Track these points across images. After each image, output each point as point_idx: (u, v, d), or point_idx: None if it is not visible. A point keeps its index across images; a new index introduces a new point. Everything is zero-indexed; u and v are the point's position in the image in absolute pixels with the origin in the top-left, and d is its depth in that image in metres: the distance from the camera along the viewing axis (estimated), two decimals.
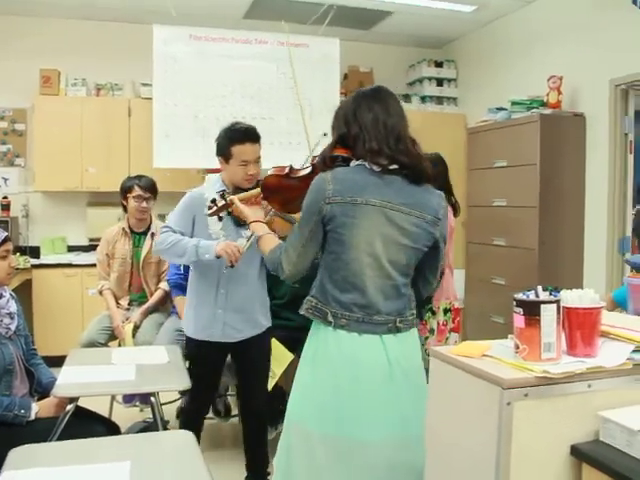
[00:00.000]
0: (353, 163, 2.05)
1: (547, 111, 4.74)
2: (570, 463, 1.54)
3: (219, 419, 3.93)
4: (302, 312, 2.11)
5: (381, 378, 2.01)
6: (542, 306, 1.54)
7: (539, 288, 1.59)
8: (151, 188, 3.90)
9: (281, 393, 3.46)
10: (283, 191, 2.31)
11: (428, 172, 2.08)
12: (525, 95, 4.99)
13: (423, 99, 6.51)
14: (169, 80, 5.29)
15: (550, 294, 1.59)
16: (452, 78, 6.62)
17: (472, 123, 5.81)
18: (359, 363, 2.01)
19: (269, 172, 2.38)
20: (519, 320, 1.58)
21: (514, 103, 5.01)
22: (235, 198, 2.42)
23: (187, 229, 2.83)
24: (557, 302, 1.57)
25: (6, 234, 2.54)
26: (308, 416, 2.07)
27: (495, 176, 5.09)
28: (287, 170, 2.33)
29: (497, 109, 5.20)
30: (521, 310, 1.57)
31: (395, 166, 2.01)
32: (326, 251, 2.06)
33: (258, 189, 2.41)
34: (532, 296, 1.58)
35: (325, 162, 2.09)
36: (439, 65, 6.60)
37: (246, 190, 2.62)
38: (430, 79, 6.54)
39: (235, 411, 4.07)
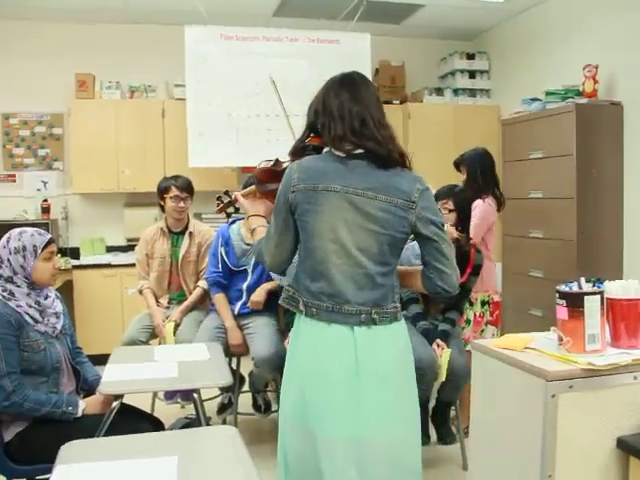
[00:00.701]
0: (324, 151, 2.04)
1: (583, 100, 4.67)
2: (616, 456, 1.53)
3: (259, 414, 3.97)
4: (280, 302, 2.11)
5: (345, 372, 1.93)
6: (586, 297, 1.54)
7: (582, 279, 1.58)
8: (188, 188, 3.95)
9: None
10: (273, 183, 2.25)
11: (396, 156, 1.98)
12: (560, 85, 4.93)
13: (455, 92, 6.46)
14: (201, 80, 5.35)
15: (593, 285, 1.58)
16: (484, 70, 6.55)
17: (506, 115, 5.75)
18: (324, 354, 1.95)
19: (258, 167, 2.37)
20: (562, 312, 1.57)
21: (549, 93, 4.95)
22: (238, 194, 2.43)
23: None
24: (601, 293, 1.56)
25: (50, 236, 2.59)
26: (283, 406, 2.09)
27: (531, 168, 5.04)
28: (273, 163, 2.33)
29: (531, 100, 5.14)
30: (564, 302, 1.56)
31: (360, 151, 1.96)
32: (300, 240, 2.04)
33: (253, 187, 2.41)
34: (575, 288, 1.57)
35: (295, 152, 2.09)
36: (471, 57, 6.53)
37: None
38: (462, 71, 6.48)
39: (275, 407, 4.11)
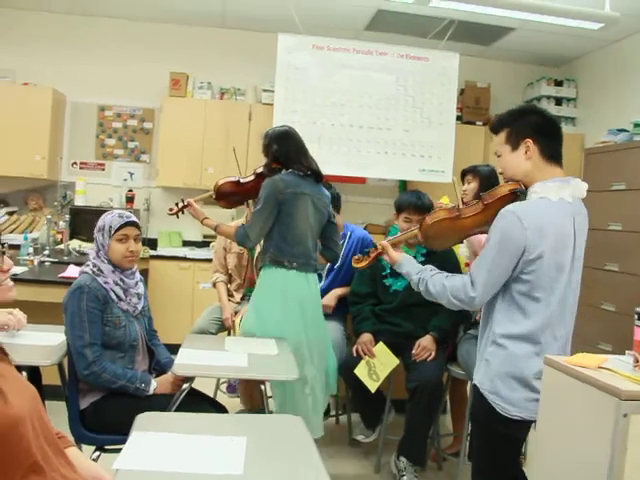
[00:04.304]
0: (284, 171, 3.20)
1: None
2: None
3: None
4: (264, 262, 3.23)
5: (308, 296, 3.24)
6: None
7: None
8: None
9: (382, 398, 3.50)
10: (233, 194, 3.43)
11: (323, 176, 3.32)
12: None
13: None
14: (290, 87, 5.48)
15: None
16: (571, 97, 6.48)
17: (590, 144, 5.67)
18: (303, 288, 3.22)
19: (221, 181, 3.43)
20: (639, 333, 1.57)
21: (637, 125, 4.86)
22: (191, 200, 3.41)
23: None
24: None
25: (128, 219, 2.67)
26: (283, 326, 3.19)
27: (612, 199, 4.94)
28: (237, 179, 3.42)
29: (618, 130, 5.05)
30: None
31: (309, 172, 3.22)
32: (279, 223, 3.16)
33: (210, 192, 3.46)
34: None
35: (269, 171, 3.23)
36: (559, 84, 6.47)
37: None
38: (549, 97, 6.43)
39: (333, 411, 4.15)
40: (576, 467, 1.62)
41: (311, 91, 5.49)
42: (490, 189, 2.33)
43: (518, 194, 2.22)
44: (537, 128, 2.14)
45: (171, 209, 3.47)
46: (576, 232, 2.12)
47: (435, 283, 2.27)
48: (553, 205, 2.10)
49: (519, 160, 2.16)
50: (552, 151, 2.15)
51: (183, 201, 3.42)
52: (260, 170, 3.35)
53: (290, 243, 3.18)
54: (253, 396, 3.45)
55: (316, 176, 3.26)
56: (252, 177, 3.39)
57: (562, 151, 2.19)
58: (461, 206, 2.42)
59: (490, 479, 2.14)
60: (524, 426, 2.07)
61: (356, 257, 2.71)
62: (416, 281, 2.37)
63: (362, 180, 5.97)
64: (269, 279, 3.23)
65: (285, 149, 3.24)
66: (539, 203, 2.11)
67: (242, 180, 3.42)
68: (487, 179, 3.55)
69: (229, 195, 3.44)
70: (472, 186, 3.62)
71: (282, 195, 3.11)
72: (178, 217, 3.50)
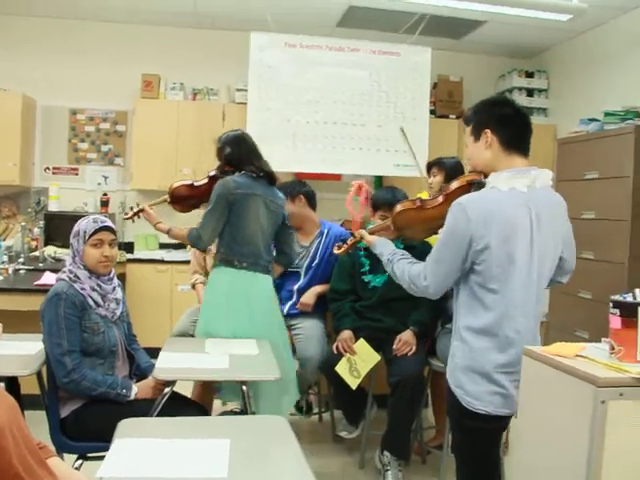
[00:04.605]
0: (237, 174, 3.26)
1: None
2: None
3: (300, 415, 4.03)
4: (216, 262, 3.32)
5: (257, 295, 3.28)
6: None
7: (637, 291, 1.60)
8: None
9: (364, 394, 3.51)
10: (188, 197, 3.48)
11: (276, 177, 3.39)
12: (619, 106, 4.89)
13: None
14: (263, 85, 5.47)
15: None
16: (543, 88, 6.54)
17: (562, 134, 5.72)
18: (250, 287, 3.26)
19: (175, 185, 3.49)
20: (615, 321, 1.60)
21: (607, 114, 4.91)
22: (146, 205, 3.48)
23: None
24: None
25: (102, 224, 2.65)
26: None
27: (585, 188, 4.99)
28: (191, 182, 3.50)
29: (589, 120, 5.10)
30: (618, 311, 1.59)
31: (262, 174, 3.28)
32: (230, 224, 3.22)
33: (165, 197, 3.50)
34: (629, 298, 1.60)
35: (222, 173, 3.32)
36: (530, 75, 6.53)
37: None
38: (520, 89, 6.48)
39: (316, 409, 4.17)
40: (556, 455, 1.64)
41: (284, 89, 5.49)
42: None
43: (475, 184, 2.25)
44: (498, 118, 2.15)
45: (126, 213, 3.58)
46: (533, 221, 2.08)
47: (399, 267, 2.33)
48: (502, 195, 2.09)
49: (480, 150, 2.18)
50: (513, 141, 2.14)
51: (138, 205, 3.52)
52: (213, 173, 3.42)
53: (240, 243, 3.24)
54: (206, 401, 3.38)
55: (269, 178, 3.33)
56: (205, 180, 3.46)
57: (529, 140, 2.18)
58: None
59: (473, 470, 2.16)
60: (491, 420, 2.05)
61: (337, 244, 2.88)
62: (385, 262, 2.45)
63: (337, 177, 5.97)
64: (218, 278, 3.31)
65: (237, 152, 3.31)
66: (487, 193, 2.13)
67: (196, 183, 3.48)
68: (452, 171, 3.60)
69: (184, 199, 3.50)
70: (438, 179, 3.67)
71: (232, 195, 3.17)
72: (134, 221, 3.56)
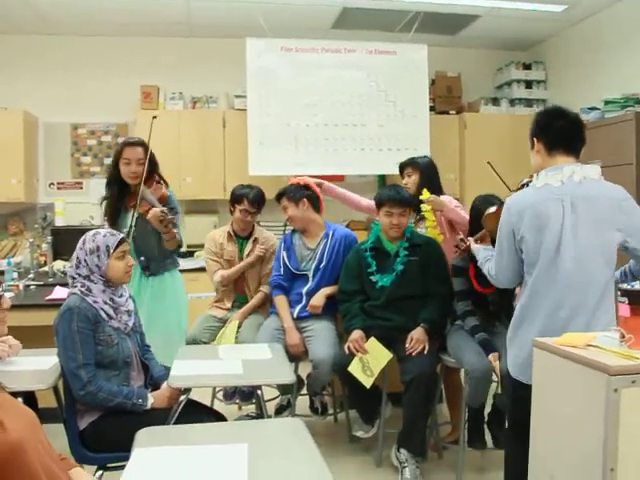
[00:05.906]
0: None
1: None
2: None
3: (316, 416, 4.04)
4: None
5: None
6: None
7: None
8: (259, 202, 3.99)
9: (378, 392, 3.52)
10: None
11: None
12: (619, 93, 4.89)
13: (512, 102, 6.46)
14: (262, 90, 5.50)
15: None
16: (541, 80, 6.55)
17: None
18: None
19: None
20: (624, 309, 1.61)
21: (607, 102, 4.92)
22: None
23: None
24: None
25: (122, 236, 2.71)
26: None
27: None
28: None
29: (589, 109, 5.11)
30: (626, 299, 1.60)
31: None
32: None
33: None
34: (638, 286, 1.61)
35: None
36: (527, 67, 6.54)
37: None
38: (519, 81, 6.49)
39: (331, 410, 4.17)
40: (572, 445, 1.66)
41: (283, 93, 5.51)
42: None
43: (526, 184, 2.66)
44: (540, 127, 2.46)
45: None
46: (566, 210, 2.30)
47: (485, 266, 2.69)
48: (536, 191, 2.39)
49: (534, 156, 2.49)
50: (555, 144, 2.40)
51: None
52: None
53: None
54: None
55: None
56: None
57: (574, 139, 2.43)
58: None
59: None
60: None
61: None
62: (479, 263, 2.85)
63: (341, 178, 5.98)
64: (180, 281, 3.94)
65: None
66: (525, 191, 2.50)
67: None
68: (427, 169, 3.66)
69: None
70: (413, 179, 3.73)
71: None
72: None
